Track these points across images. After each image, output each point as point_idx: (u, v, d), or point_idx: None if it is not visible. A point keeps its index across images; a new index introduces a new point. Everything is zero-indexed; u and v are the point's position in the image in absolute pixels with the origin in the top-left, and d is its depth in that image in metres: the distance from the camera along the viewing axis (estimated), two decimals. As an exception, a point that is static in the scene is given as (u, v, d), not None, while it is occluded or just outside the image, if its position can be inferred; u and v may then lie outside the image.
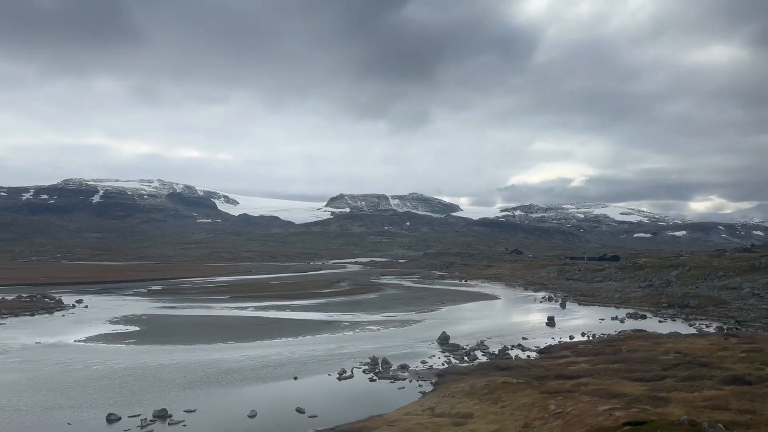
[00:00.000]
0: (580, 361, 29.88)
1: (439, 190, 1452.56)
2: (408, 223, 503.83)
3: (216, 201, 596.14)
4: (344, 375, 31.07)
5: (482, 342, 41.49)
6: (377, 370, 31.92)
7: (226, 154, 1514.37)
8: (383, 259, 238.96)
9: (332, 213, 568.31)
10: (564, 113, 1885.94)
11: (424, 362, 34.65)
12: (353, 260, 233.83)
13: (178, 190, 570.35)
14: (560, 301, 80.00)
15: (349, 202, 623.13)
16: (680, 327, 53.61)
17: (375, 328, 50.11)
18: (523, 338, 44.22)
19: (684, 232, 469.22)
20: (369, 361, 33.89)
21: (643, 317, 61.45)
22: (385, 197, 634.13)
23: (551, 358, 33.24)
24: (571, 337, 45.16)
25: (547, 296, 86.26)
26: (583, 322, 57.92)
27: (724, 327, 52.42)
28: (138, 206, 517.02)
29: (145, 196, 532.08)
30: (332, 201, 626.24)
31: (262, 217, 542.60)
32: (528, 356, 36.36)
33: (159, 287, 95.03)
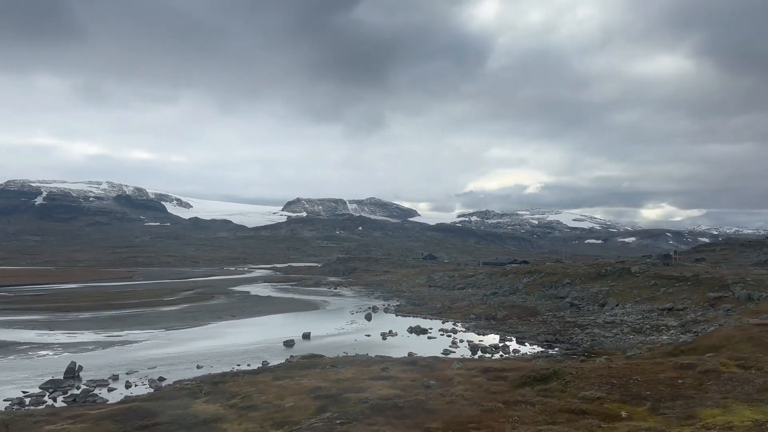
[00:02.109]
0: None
1: (397, 195, 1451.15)
2: (360, 228, 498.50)
3: (168, 204, 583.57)
4: None
5: (131, 374, 35.30)
6: None
7: (179, 156, 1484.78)
8: (308, 264, 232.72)
9: (288, 217, 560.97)
10: (518, 120, 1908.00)
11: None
12: (273, 266, 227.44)
13: (127, 193, 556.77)
14: (381, 310, 74.94)
15: (306, 206, 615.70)
16: (444, 343, 48.94)
17: (45, 353, 42.95)
18: (198, 366, 37.87)
19: (633, 239, 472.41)
20: None
21: (425, 332, 56.35)
22: (343, 202, 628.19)
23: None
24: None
25: (382, 306, 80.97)
26: (336, 339, 52.50)
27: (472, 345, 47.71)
28: (83, 209, 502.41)
29: (91, 199, 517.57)
30: (289, 205, 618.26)
31: (213, 220, 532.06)
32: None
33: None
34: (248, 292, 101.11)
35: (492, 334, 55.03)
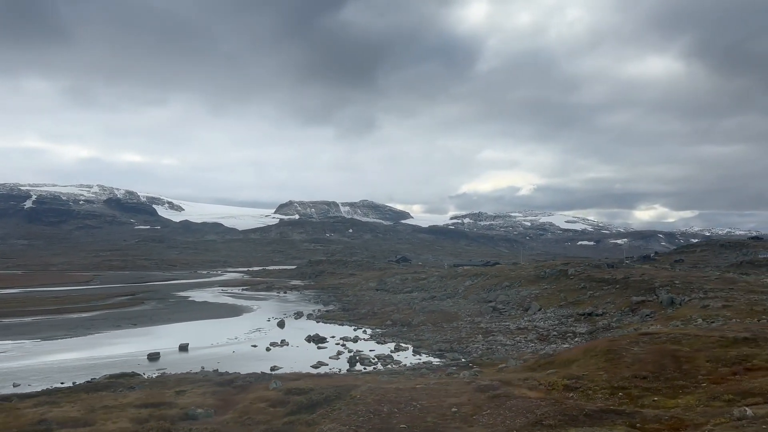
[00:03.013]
0: None
1: (391, 197, 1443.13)
2: (351, 231, 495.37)
3: (160, 207, 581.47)
4: None
5: None
6: None
7: (170, 158, 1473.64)
8: (286, 267, 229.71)
9: (280, 220, 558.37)
10: (509, 122, 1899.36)
11: None
12: (249, 269, 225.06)
13: (118, 196, 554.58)
14: (305, 317, 71.88)
15: (299, 209, 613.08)
16: (329, 353, 45.93)
17: None
18: (14, 384, 34.67)
19: (625, 240, 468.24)
20: None
21: (323, 340, 53.22)
22: (336, 204, 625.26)
23: None
24: None
25: (312, 311, 77.99)
26: (214, 351, 49.38)
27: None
28: (73, 212, 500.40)
29: (81, 202, 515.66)
30: (281, 208, 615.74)
31: (204, 223, 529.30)
32: None
33: None
34: (187, 297, 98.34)
35: (390, 343, 52.01)
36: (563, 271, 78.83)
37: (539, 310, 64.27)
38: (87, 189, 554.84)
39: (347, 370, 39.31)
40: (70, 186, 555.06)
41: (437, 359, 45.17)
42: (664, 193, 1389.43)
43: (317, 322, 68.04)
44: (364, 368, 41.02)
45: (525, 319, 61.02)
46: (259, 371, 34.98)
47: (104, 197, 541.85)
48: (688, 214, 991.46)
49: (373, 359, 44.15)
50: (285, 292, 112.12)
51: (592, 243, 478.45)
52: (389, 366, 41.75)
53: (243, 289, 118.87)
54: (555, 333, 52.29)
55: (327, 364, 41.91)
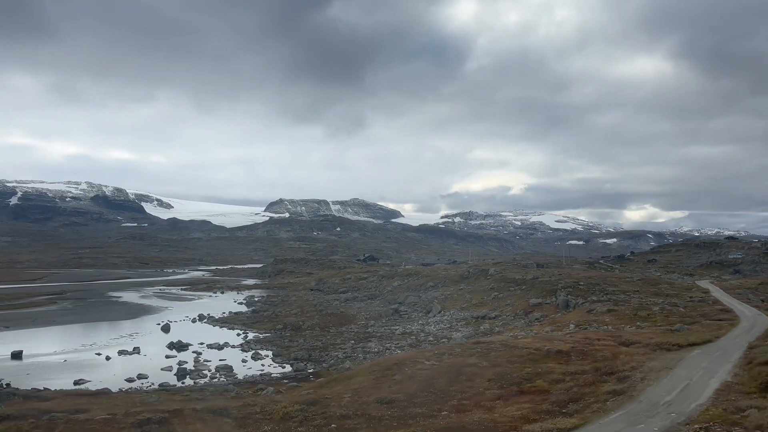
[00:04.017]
0: None
1: (383, 196, 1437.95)
2: (338, 229, 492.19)
3: (149, 205, 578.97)
4: None
5: None
6: None
7: (158, 156, 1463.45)
8: (254, 266, 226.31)
9: (270, 218, 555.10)
10: (499, 122, 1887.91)
11: None
12: (216, 267, 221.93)
13: (106, 193, 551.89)
14: (207, 319, 68.43)
15: (289, 207, 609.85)
16: (165, 363, 42.39)
17: None
18: None
19: (615, 240, 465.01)
20: None
21: (185, 348, 49.78)
22: (326, 203, 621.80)
23: None
24: None
25: (217, 314, 74.49)
26: (45, 360, 45.90)
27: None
28: (59, 209, 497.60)
29: (68, 199, 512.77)
30: (271, 206, 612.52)
31: (192, 221, 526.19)
32: None
33: None
34: (114, 297, 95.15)
35: (256, 351, 48.40)
36: (484, 271, 75.43)
37: (440, 312, 60.86)
38: (75, 186, 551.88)
39: (159, 385, 35.77)
40: (58, 183, 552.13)
41: (289, 368, 42.18)
42: (654, 194, 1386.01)
43: (212, 325, 64.79)
44: (193, 382, 37.76)
45: (420, 322, 57.59)
46: (52, 388, 31.70)
47: (92, 194, 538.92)
48: (678, 214, 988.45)
49: (208, 371, 40.78)
50: (222, 292, 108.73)
51: (581, 242, 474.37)
52: (220, 379, 38.41)
53: (182, 289, 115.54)
54: (431, 339, 48.79)
55: (147, 377, 38.43)
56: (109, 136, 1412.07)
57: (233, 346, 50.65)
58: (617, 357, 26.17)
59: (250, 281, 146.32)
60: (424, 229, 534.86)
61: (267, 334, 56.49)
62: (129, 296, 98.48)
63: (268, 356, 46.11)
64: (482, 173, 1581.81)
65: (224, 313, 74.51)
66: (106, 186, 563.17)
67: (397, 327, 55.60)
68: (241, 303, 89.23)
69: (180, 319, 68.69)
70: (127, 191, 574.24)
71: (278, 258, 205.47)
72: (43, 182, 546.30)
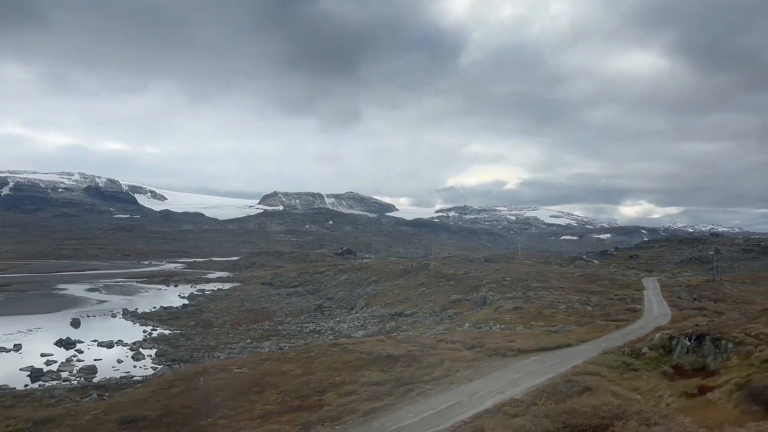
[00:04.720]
0: None
1: (378, 190, 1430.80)
2: (331, 222, 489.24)
3: (142, 196, 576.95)
4: None
5: None
6: None
7: (152, 147, 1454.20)
8: (232, 258, 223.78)
9: (264, 210, 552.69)
10: (494, 117, 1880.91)
11: None
12: (194, 260, 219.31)
13: (99, 184, 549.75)
14: (130, 315, 65.57)
15: (283, 200, 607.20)
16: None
17: None
18: None
19: (608, 235, 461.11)
20: None
21: (72, 345, 46.94)
22: (321, 196, 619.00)
23: None
24: None
25: (144, 309, 71.64)
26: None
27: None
28: (51, 200, 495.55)
29: (60, 190, 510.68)
30: (265, 199, 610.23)
31: (185, 213, 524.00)
32: None
33: None
34: (55, 289, 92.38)
35: (137, 351, 45.10)
36: (425, 266, 72.57)
37: (363, 308, 58.01)
38: (68, 177, 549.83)
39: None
40: (51, 174, 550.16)
41: (164, 369, 39.10)
42: (649, 190, 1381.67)
43: (129, 321, 62.14)
44: (45, 384, 34.80)
45: (337, 319, 54.70)
46: None
47: (84, 185, 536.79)
48: (673, 210, 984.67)
49: (69, 372, 37.92)
50: (176, 285, 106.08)
51: (575, 238, 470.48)
52: (72, 382, 35.48)
53: (138, 281, 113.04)
54: (332, 337, 45.93)
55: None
56: (103, 127, 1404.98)
57: (125, 345, 47.75)
58: (442, 363, 23.15)
59: (218, 274, 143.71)
60: (418, 223, 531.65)
61: (176, 332, 53.64)
62: (75, 289, 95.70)
63: (150, 356, 43.17)
64: (478, 167, 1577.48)
65: (155, 307, 71.78)
66: (99, 177, 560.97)
67: (310, 324, 52.68)
68: (183, 297, 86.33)
69: (103, 313, 65.86)
70: (121, 183, 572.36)
71: (254, 251, 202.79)
72: (35, 173, 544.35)
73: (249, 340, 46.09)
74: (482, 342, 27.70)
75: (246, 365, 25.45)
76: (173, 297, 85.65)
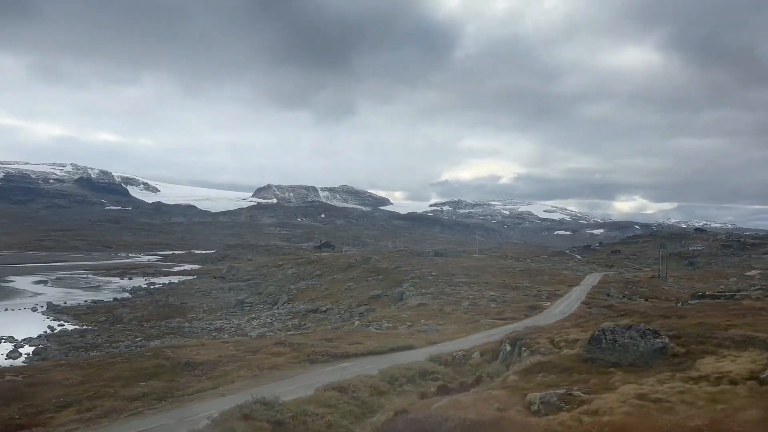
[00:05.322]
0: None
1: (373, 183, 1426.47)
2: (323, 216, 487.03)
3: (134, 188, 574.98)
4: None
5: None
6: None
7: (145, 139, 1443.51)
8: (210, 251, 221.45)
9: (258, 203, 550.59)
10: (489, 111, 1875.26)
11: None
12: (173, 252, 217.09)
13: (92, 176, 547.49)
14: (48, 310, 63.10)
15: (277, 192, 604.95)
16: None
17: None
18: None
19: (602, 231, 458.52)
20: None
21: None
22: (315, 189, 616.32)
23: None
24: None
25: (84, 301, 69.15)
26: None
27: None
28: (42, 191, 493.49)
29: (51, 181, 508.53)
30: (259, 191, 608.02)
31: (177, 205, 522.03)
32: None
33: None
34: (3, 281, 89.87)
35: (14, 349, 42.49)
36: (367, 259, 70.00)
37: (285, 304, 55.52)
38: (60, 168, 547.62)
39: None
40: (43, 164, 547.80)
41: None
42: (643, 185, 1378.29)
43: (45, 315, 59.73)
44: None
45: (251, 316, 52.20)
46: None
47: (76, 177, 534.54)
48: (667, 206, 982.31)
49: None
50: (130, 278, 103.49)
51: (569, 233, 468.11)
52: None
53: (96, 274, 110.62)
54: (227, 335, 43.39)
55: None
56: (95, 118, 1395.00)
57: (17, 341, 45.15)
58: (236, 372, 20.50)
59: (185, 267, 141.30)
60: (411, 217, 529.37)
61: (82, 327, 51.10)
62: (23, 281, 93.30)
63: (27, 354, 40.60)
64: (472, 162, 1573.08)
65: (85, 301, 69.34)
66: (91, 169, 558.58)
67: (219, 322, 50.18)
68: (125, 291, 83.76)
69: (25, 307, 63.35)
70: (113, 174, 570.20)
71: (230, 244, 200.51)
72: (27, 163, 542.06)
73: (139, 338, 43.55)
74: (318, 345, 25.00)
75: (28, 372, 22.91)
76: (114, 291, 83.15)
